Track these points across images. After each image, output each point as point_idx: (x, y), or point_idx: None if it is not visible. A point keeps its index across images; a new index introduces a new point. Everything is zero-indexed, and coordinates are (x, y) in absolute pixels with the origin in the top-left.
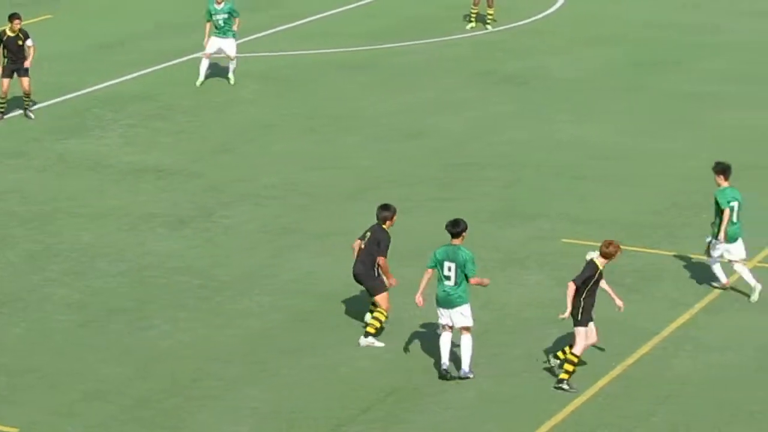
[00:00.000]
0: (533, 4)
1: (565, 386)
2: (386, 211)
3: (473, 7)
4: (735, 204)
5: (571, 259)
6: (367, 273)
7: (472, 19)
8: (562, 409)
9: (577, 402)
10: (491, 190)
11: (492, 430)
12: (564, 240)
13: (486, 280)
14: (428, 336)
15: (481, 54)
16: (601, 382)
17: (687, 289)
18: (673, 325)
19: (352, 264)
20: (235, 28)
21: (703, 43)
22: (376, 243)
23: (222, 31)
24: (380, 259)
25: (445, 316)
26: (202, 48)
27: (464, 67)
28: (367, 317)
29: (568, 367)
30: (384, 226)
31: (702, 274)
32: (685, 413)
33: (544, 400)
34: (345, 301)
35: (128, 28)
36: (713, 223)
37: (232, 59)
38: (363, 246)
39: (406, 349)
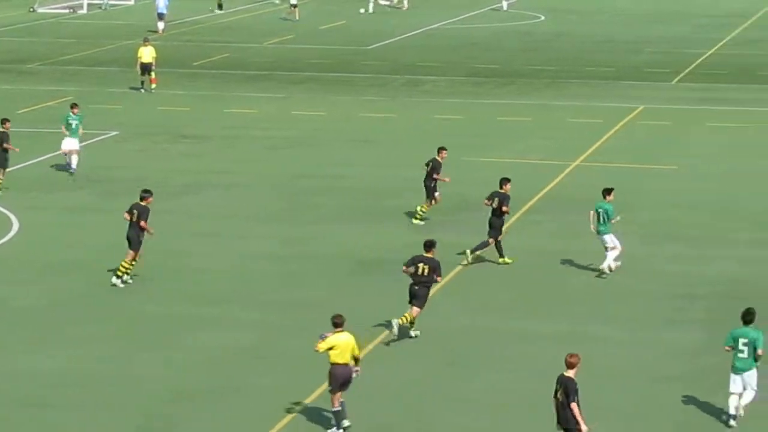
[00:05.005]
0: None
1: None
2: (148, 192)
3: None
4: (601, 211)
5: None
6: (139, 235)
7: None
8: None
9: None
10: None
11: None
12: None
13: None
14: None
15: None
16: None
17: None
18: None
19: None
20: (80, 132)
21: (167, 265)
22: (140, 214)
23: (73, 132)
24: (144, 224)
25: None
26: None
27: None
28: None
29: None
30: (144, 203)
31: None
32: None
33: None
34: None
35: None
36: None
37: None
38: (135, 217)
39: None
